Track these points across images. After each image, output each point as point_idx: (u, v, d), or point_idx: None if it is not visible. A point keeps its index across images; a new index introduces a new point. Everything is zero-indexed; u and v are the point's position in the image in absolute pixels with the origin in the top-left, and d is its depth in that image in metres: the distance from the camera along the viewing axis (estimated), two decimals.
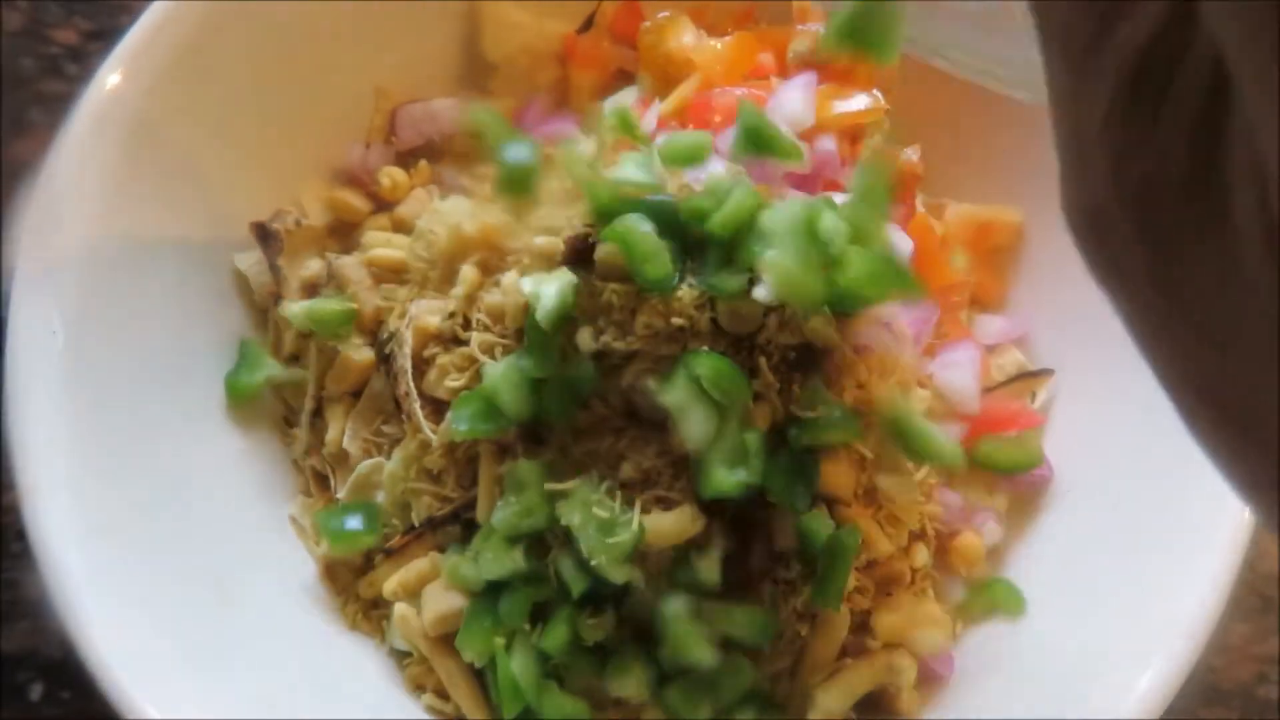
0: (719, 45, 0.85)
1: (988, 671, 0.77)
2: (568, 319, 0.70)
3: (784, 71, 0.83)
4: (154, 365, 0.78)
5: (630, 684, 0.71)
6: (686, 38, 0.86)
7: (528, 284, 0.71)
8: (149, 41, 0.78)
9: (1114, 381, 0.83)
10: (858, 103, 0.78)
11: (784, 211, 0.67)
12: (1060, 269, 0.88)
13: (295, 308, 0.82)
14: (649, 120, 0.83)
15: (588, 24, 0.94)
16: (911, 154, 0.78)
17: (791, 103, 0.76)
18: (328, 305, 0.83)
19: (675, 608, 0.69)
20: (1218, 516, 0.71)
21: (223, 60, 0.82)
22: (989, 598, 0.80)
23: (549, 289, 0.70)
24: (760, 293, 0.67)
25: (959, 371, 0.80)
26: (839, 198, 0.72)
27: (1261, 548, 0.93)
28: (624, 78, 0.92)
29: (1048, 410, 0.86)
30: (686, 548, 0.70)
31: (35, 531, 0.66)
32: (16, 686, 0.85)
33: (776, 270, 0.66)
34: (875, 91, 0.79)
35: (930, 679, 0.77)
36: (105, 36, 1.13)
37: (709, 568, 0.70)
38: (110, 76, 0.76)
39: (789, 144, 0.74)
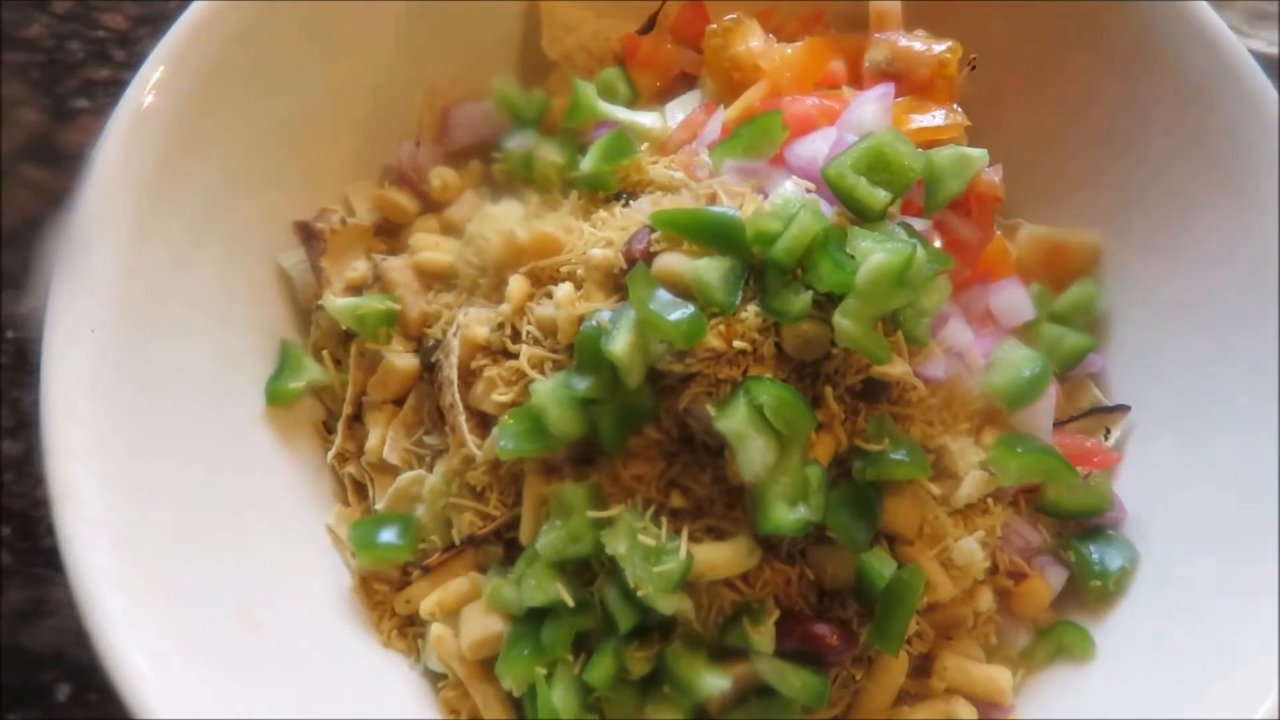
0: (789, 50, 0.81)
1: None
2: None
3: (857, 81, 0.79)
4: (192, 367, 0.75)
5: (672, 713, 0.68)
6: (754, 42, 0.82)
7: (604, 315, 0.68)
8: (193, 36, 0.75)
9: (1191, 419, 0.79)
10: (936, 117, 0.74)
11: (873, 261, 0.64)
12: (1137, 301, 0.84)
13: (338, 302, 0.80)
14: (713, 127, 0.79)
15: (650, 24, 0.90)
16: (993, 174, 0.73)
17: (867, 115, 0.72)
18: (370, 303, 0.80)
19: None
20: None
21: (269, 56, 0.79)
22: (1055, 642, 0.76)
23: (622, 330, 0.66)
24: None
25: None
26: (918, 223, 0.68)
27: None
28: (686, 80, 0.88)
29: (1122, 448, 0.81)
30: (740, 611, 0.67)
31: (64, 537, 0.64)
32: (43, 686, 0.83)
33: (844, 333, 0.64)
34: (955, 106, 0.74)
35: None
36: (153, 21, 1.10)
37: (763, 638, 0.67)
38: (153, 72, 0.74)
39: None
